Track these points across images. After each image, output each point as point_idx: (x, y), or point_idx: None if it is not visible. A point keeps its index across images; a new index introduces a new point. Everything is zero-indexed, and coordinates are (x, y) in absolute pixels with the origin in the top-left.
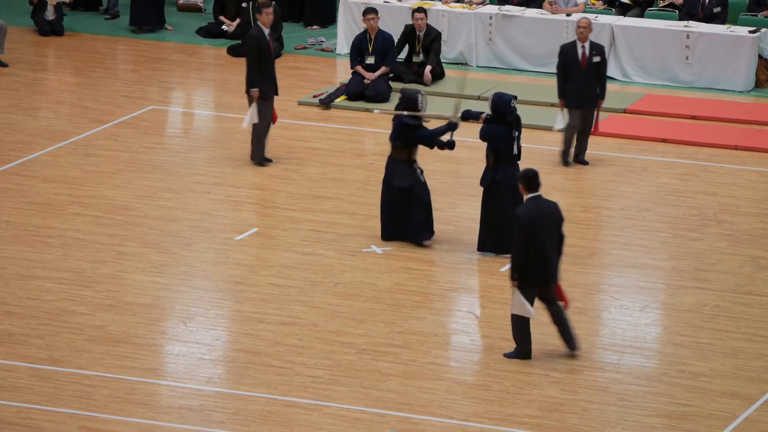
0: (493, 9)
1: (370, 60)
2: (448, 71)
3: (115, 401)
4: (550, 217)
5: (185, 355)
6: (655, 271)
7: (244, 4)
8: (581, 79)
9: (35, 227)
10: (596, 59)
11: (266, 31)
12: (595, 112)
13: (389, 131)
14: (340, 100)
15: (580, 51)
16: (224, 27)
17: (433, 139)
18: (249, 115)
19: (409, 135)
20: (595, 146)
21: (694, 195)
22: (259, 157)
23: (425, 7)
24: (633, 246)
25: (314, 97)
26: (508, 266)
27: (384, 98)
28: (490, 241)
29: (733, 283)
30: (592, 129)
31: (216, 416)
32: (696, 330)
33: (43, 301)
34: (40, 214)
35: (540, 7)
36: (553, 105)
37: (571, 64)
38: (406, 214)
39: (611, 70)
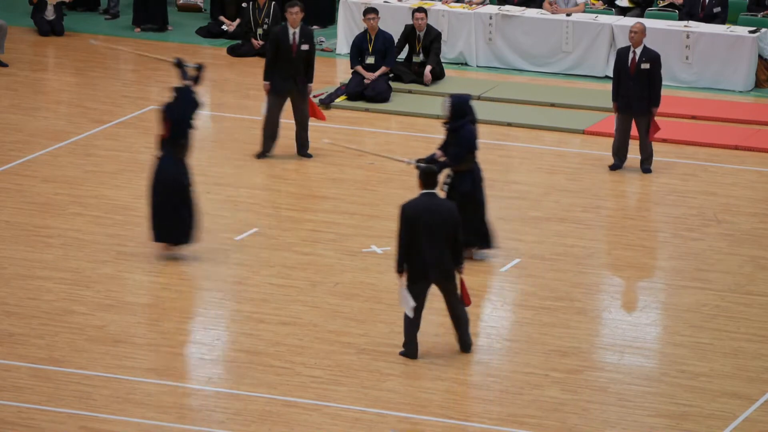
0: (493, 9)
1: (370, 60)
2: (448, 71)
3: (115, 401)
4: (438, 216)
5: (185, 355)
6: (655, 271)
7: (244, 4)
8: (629, 84)
9: (35, 227)
10: (645, 66)
11: (291, 30)
12: (650, 119)
13: (389, 131)
14: (340, 100)
15: (630, 56)
16: (224, 27)
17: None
18: (262, 107)
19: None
20: (595, 146)
21: (694, 195)
22: (261, 150)
23: (425, 7)
24: (633, 246)
25: (314, 97)
26: (508, 266)
27: (384, 98)
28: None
29: (733, 283)
30: (649, 136)
31: (216, 416)
32: (696, 330)
33: (43, 301)
34: (40, 214)
35: (540, 7)
36: (553, 105)
37: (622, 69)
38: (176, 212)
39: (612, 70)
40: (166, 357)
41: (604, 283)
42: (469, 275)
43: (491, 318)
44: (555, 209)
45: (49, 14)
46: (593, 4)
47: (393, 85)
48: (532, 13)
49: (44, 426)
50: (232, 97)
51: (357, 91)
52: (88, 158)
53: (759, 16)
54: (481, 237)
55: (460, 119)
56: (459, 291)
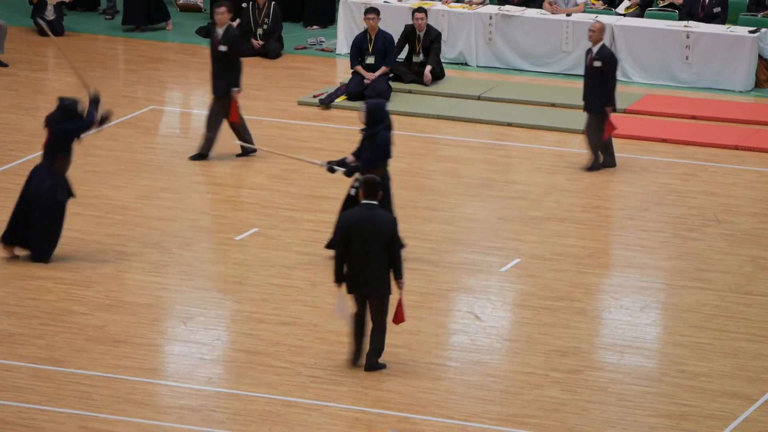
0: (493, 9)
1: (370, 60)
2: (448, 71)
3: (115, 401)
4: (373, 227)
5: (185, 355)
6: (655, 271)
7: (244, 4)
8: (585, 81)
9: None
10: (597, 64)
11: (217, 30)
12: (604, 118)
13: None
14: (340, 100)
15: (588, 54)
16: None
17: (87, 123)
18: None
19: (69, 134)
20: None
21: (694, 195)
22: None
23: (425, 7)
24: (633, 246)
25: (314, 97)
26: (508, 266)
27: (384, 98)
28: None
29: (733, 283)
30: (603, 135)
31: (216, 416)
32: (696, 330)
33: (43, 301)
34: None
35: (540, 7)
36: (553, 105)
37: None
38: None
39: None
40: (167, 357)
41: (604, 283)
42: (469, 275)
43: (491, 318)
44: (555, 209)
45: (49, 14)
46: (593, 4)
47: (393, 85)
48: (532, 13)
49: (44, 426)
50: None
51: (357, 91)
52: (88, 158)
53: (759, 16)
54: None
55: (377, 125)
56: (390, 308)
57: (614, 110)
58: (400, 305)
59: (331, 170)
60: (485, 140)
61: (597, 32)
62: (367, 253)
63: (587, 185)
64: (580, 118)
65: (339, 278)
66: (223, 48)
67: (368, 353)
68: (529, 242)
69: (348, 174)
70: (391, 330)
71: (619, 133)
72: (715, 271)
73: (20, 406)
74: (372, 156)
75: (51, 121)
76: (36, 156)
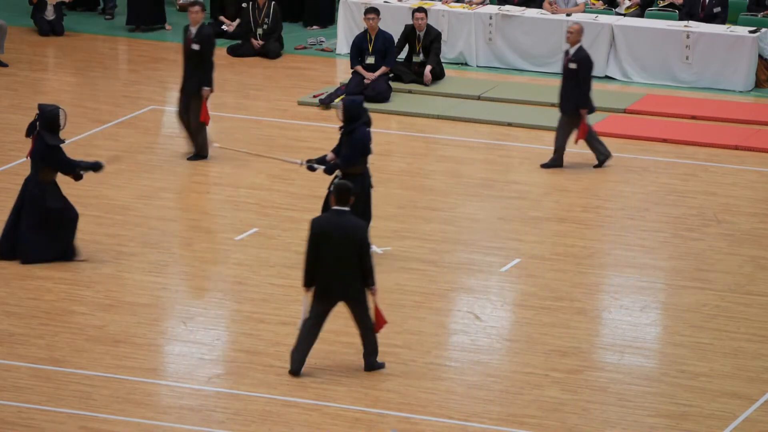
0: (493, 9)
1: (370, 60)
2: (448, 71)
3: (115, 401)
4: (345, 234)
5: (185, 355)
6: (655, 271)
7: (244, 4)
8: (561, 82)
9: None
10: (572, 65)
11: (190, 29)
12: (578, 120)
13: (389, 131)
14: (340, 100)
15: (565, 55)
16: (224, 27)
17: (70, 167)
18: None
19: (51, 156)
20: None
21: (694, 195)
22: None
23: (425, 7)
24: (633, 246)
25: (314, 97)
26: (508, 266)
27: (384, 98)
28: None
29: (733, 283)
30: (576, 137)
31: (216, 416)
32: (696, 330)
33: (43, 301)
34: None
35: (540, 7)
36: (553, 105)
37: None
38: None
39: (611, 70)
40: (166, 357)
41: (604, 283)
42: (469, 275)
43: (491, 318)
44: (555, 209)
45: (49, 14)
46: (593, 4)
47: (393, 85)
48: (532, 13)
49: (44, 426)
50: (232, 97)
51: (357, 91)
52: (88, 158)
53: (759, 16)
54: None
55: (354, 122)
56: (372, 313)
57: (590, 112)
58: (377, 311)
59: (311, 168)
60: (485, 140)
61: (575, 34)
62: (338, 260)
63: (587, 185)
64: None
65: (309, 282)
66: (195, 47)
67: (365, 354)
68: (529, 242)
69: (328, 171)
70: (392, 330)
71: (619, 133)
72: (715, 271)
73: (20, 406)
74: (351, 153)
75: (32, 131)
76: None
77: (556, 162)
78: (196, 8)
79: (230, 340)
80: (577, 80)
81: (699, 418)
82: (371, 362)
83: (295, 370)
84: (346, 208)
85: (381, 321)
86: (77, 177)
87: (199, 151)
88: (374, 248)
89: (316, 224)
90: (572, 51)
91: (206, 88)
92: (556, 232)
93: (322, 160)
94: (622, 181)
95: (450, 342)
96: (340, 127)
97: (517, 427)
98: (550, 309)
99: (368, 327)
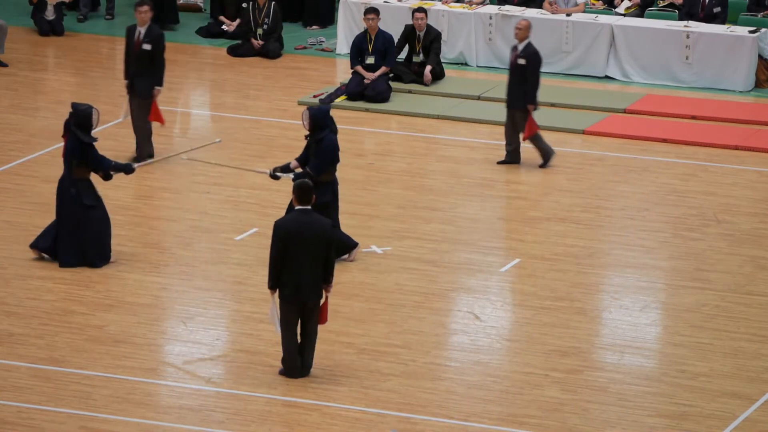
0: (493, 9)
1: (370, 60)
2: (448, 71)
3: (115, 401)
4: (311, 232)
5: (185, 355)
6: (655, 271)
7: (244, 4)
8: (509, 78)
9: (35, 227)
10: (521, 62)
11: (138, 29)
12: (525, 116)
13: (389, 131)
14: (340, 100)
15: (513, 51)
16: (224, 27)
17: (101, 165)
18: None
19: (84, 152)
20: (595, 146)
21: (694, 195)
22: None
23: (425, 7)
24: (633, 246)
25: (314, 97)
26: (508, 266)
27: (384, 98)
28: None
29: (733, 283)
30: (524, 135)
31: (216, 416)
32: (696, 330)
33: (43, 301)
34: (40, 214)
35: (540, 7)
36: (553, 105)
37: None
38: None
39: (611, 70)
40: (166, 357)
41: (604, 283)
42: (469, 275)
43: (491, 318)
44: (555, 209)
45: (49, 14)
46: (593, 4)
47: (393, 85)
48: (532, 13)
49: (44, 426)
50: (232, 97)
51: (357, 91)
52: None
53: (759, 16)
54: (337, 247)
55: (321, 131)
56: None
57: (536, 108)
58: (325, 307)
59: (275, 177)
60: (485, 140)
61: (523, 30)
62: (307, 259)
63: (587, 185)
64: (580, 118)
65: (274, 284)
66: (147, 46)
67: (306, 356)
68: (529, 242)
69: (297, 180)
70: (392, 330)
71: (619, 133)
72: (715, 271)
73: (20, 406)
74: (321, 162)
75: (67, 128)
76: (35, 156)
77: (512, 158)
78: (145, 8)
79: (230, 340)
80: (524, 76)
81: (699, 418)
82: (308, 362)
83: (292, 372)
84: (309, 207)
85: (325, 317)
86: (106, 177)
87: (140, 153)
88: (374, 248)
89: (282, 226)
90: (521, 47)
91: (158, 88)
92: (556, 232)
93: (286, 168)
94: (622, 181)
95: (450, 342)
96: (306, 135)
97: (517, 427)
98: (550, 309)
99: (315, 333)
